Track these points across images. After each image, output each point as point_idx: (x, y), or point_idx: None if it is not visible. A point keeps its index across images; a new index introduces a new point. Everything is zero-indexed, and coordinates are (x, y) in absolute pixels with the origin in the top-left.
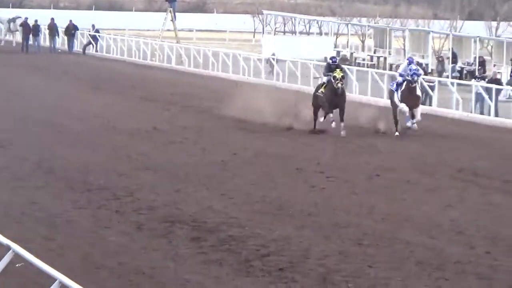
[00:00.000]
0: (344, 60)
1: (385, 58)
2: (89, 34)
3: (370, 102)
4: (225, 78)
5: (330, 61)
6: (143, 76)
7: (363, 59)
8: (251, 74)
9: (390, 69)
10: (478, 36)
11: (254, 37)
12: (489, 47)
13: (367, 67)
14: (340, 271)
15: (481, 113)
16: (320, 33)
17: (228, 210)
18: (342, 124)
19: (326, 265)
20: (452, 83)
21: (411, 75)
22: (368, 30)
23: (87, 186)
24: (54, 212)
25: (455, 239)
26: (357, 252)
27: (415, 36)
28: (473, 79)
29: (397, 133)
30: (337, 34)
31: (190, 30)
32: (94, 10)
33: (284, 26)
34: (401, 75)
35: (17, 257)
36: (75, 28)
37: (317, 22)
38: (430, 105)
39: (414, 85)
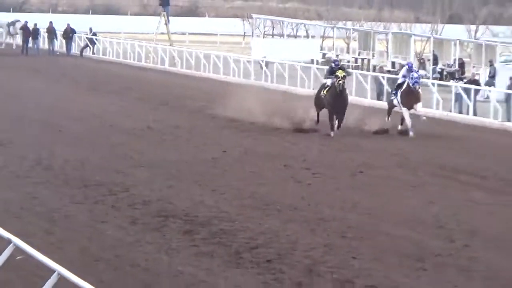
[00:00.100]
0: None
1: (369, 60)
2: (87, 37)
3: (355, 102)
4: (216, 79)
5: (333, 64)
6: (138, 78)
7: (348, 61)
8: (241, 76)
9: (374, 70)
10: (458, 39)
11: (244, 40)
12: (469, 50)
13: (352, 68)
14: (326, 262)
15: (460, 112)
16: (307, 36)
17: (219, 205)
18: (337, 126)
19: (312, 257)
20: (433, 84)
21: (413, 84)
22: (352, 33)
23: (84, 183)
24: (53, 207)
25: (435, 233)
26: (342, 244)
27: (398, 39)
28: (453, 80)
29: (388, 119)
30: (323, 37)
31: (183, 33)
32: (91, 14)
33: (273, 30)
34: (404, 76)
35: (17, 250)
36: (73, 31)
37: (304, 26)
38: None
39: (415, 87)
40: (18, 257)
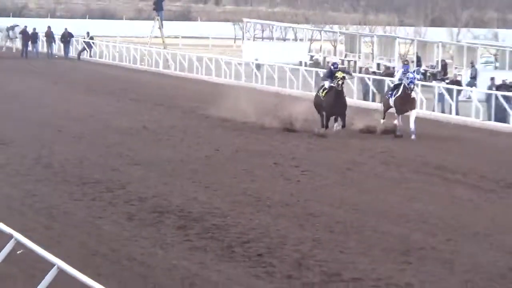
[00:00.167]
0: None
1: (355, 62)
2: (84, 41)
3: None
4: (208, 80)
5: (332, 67)
6: (133, 80)
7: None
8: (232, 77)
9: (360, 72)
10: (440, 41)
11: (235, 43)
12: (451, 52)
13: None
14: (314, 256)
15: (443, 111)
16: (296, 39)
17: (211, 201)
18: (341, 126)
19: (301, 251)
20: (417, 84)
21: (409, 83)
22: (339, 36)
23: (83, 180)
24: (52, 203)
25: (419, 227)
26: (330, 239)
27: (383, 42)
28: (436, 81)
29: (383, 121)
30: (311, 40)
31: (176, 37)
32: (88, 18)
33: (262, 33)
34: (400, 79)
35: (18, 244)
36: (70, 35)
37: (293, 29)
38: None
39: (409, 92)
40: (18, 251)
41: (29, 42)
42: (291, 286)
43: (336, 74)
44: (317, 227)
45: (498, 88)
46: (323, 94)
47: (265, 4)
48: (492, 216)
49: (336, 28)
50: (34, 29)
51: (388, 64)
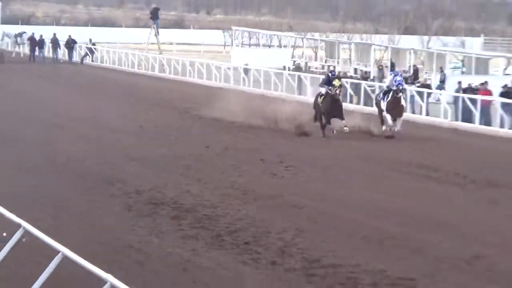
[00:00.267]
0: (298, 68)
1: (334, 67)
2: (86, 47)
3: None
4: (200, 83)
5: (330, 74)
6: (131, 83)
7: (316, 68)
8: (222, 81)
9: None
10: (412, 48)
11: (224, 49)
12: (422, 58)
13: (319, 74)
14: (296, 244)
15: (413, 112)
16: (280, 46)
17: (202, 194)
18: (344, 122)
19: (284, 239)
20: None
21: (396, 85)
22: (320, 43)
23: (84, 175)
24: (57, 197)
25: (392, 218)
26: (311, 229)
27: (360, 48)
28: (407, 84)
29: (384, 127)
30: (294, 47)
31: (171, 43)
32: (90, 26)
33: (250, 40)
34: (388, 86)
35: (26, 233)
36: (74, 41)
37: (277, 37)
38: (372, 106)
39: (399, 95)
40: (23, 239)
41: (36, 48)
42: (275, 271)
43: (334, 82)
44: (300, 218)
45: (465, 91)
46: (321, 99)
47: (252, 13)
48: (460, 208)
49: (317, 36)
50: (41, 36)
51: (364, 69)
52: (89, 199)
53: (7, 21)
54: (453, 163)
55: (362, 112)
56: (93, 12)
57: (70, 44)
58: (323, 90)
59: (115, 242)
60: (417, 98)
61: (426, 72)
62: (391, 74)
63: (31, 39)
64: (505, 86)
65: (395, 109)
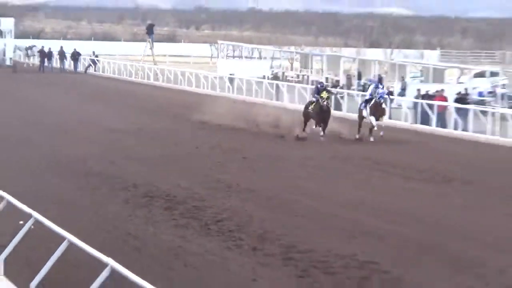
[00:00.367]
0: (276, 77)
1: (308, 76)
2: (90, 58)
3: (297, 108)
4: (190, 91)
5: (319, 85)
6: (129, 90)
7: (292, 77)
8: (209, 88)
9: (312, 84)
10: (377, 60)
11: (211, 60)
12: (385, 68)
13: (295, 82)
14: (274, 232)
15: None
16: (260, 58)
17: (192, 188)
18: (322, 132)
19: (264, 228)
20: (358, 95)
21: (379, 98)
22: (295, 55)
23: (87, 172)
24: (62, 191)
25: (363, 210)
26: (288, 219)
27: (330, 60)
28: None
29: (357, 136)
30: (272, 58)
31: (164, 55)
32: (93, 40)
33: (234, 52)
34: (370, 95)
35: (37, 222)
36: (79, 54)
37: (258, 49)
38: (341, 110)
39: (380, 104)
40: (32, 226)
41: (45, 59)
42: (256, 256)
43: (322, 95)
44: (278, 209)
45: (423, 97)
46: (311, 106)
47: (236, 29)
48: (418, 200)
49: (292, 48)
50: (49, 48)
51: (334, 78)
52: (91, 193)
53: (20, 36)
54: (416, 161)
55: (333, 115)
56: (95, 28)
57: (75, 56)
58: (314, 99)
59: (115, 230)
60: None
61: (389, 81)
62: (371, 84)
63: (41, 51)
64: (459, 93)
65: (378, 110)
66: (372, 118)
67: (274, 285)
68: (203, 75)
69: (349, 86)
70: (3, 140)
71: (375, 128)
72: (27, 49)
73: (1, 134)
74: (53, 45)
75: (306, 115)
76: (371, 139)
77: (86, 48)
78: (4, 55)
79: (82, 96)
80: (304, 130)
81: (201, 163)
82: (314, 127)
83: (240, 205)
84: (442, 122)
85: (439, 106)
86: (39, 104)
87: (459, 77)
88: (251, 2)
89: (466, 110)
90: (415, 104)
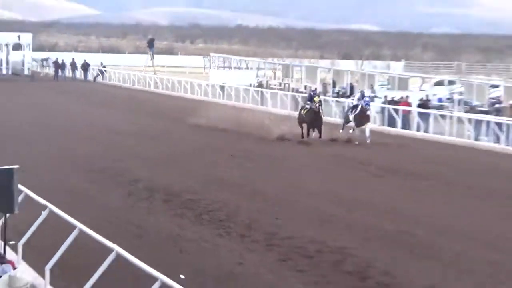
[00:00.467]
0: (261, 85)
1: (289, 84)
2: (98, 69)
3: (278, 112)
4: (186, 97)
5: (312, 93)
6: (132, 96)
7: (275, 85)
8: (202, 95)
9: (293, 91)
10: (349, 70)
11: (204, 70)
12: (356, 77)
13: (277, 90)
14: (259, 221)
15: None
16: (247, 68)
17: (187, 182)
18: (319, 137)
19: (250, 218)
20: (332, 101)
21: (365, 105)
22: (278, 66)
23: (93, 168)
24: (72, 185)
25: (331, 200)
26: (269, 209)
27: (308, 70)
28: (345, 98)
29: (341, 131)
30: (258, 69)
31: (163, 66)
32: (101, 53)
33: (224, 63)
34: (357, 100)
35: (51, 212)
36: (88, 64)
37: (245, 61)
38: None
39: (366, 110)
40: (43, 211)
41: (59, 69)
42: (243, 242)
43: (314, 98)
44: (262, 201)
45: (389, 103)
46: (304, 112)
47: (226, 43)
48: (384, 192)
49: (275, 60)
50: (62, 60)
51: (312, 86)
52: (98, 187)
53: (36, 49)
54: (381, 159)
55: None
56: (103, 42)
57: (85, 66)
58: (307, 105)
59: (119, 220)
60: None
61: (360, 89)
62: (359, 93)
63: (55, 62)
64: (421, 99)
65: (363, 117)
66: (356, 128)
67: (259, 268)
68: (197, 83)
69: (325, 93)
70: (21, 139)
71: (356, 132)
72: (42, 60)
73: (19, 133)
74: (65, 57)
75: (301, 119)
76: (368, 140)
77: (94, 59)
78: (23, 65)
79: (91, 101)
80: (303, 134)
81: (195, 160)
82: (302, 136)
83: (229, 197)
84: (406, 125)
85: (403, 110)
86: (53, 108)
87: (421, 85)
88: (239, 19)
89: (428, 114)
90: (383, 109)
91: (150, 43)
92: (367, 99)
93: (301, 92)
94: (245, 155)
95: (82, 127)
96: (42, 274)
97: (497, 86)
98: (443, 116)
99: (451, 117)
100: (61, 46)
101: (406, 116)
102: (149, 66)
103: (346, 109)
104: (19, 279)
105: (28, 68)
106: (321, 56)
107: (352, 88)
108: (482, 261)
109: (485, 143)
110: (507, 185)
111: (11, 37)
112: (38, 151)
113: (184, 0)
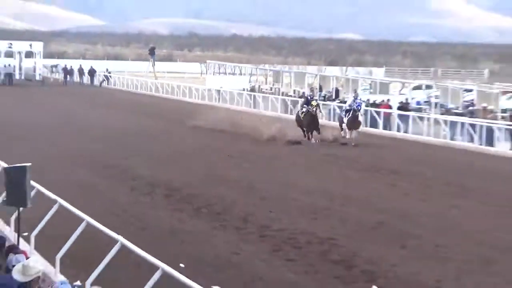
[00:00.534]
0: (253, 89)
1: (279, 89)
2: (104, 74)
3: (269, 115)
4: (184, 100)
5: (308, 97)
6: (135, 100)
7: (266, 89)
8: (199, 98)
9: (283, 95)
10: (334, 76)
11: (201, 76)
12: (341, 82)
13: (269, 94)
14: (253, 214)
15: (335, 121)
16: (241, 74)
17: (187, 179)
18: (317, 136)
19: (245, 211)
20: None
21: (357, 106)
22: (269, 72)
23: (100, 165)
24: (80, 181)
25: (321, 195)
26: (263, 204)
27: (297, 75)
28: (331, 101)
29: (342, 133)
30: (250, 74)
31: (163, 72)
32: (106, 60)
33: (219, 69)
34: (350, 105)
35: (61, 207)
36: (94, 70)
37: (239, 67)
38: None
39: (357, 113)
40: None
41: (67, 75)
42: (238, 234)
43: (312, 102)
44: (256, 196)
45: (372, 105)
46: (302, 116)
47: (221, 51)
48: (370, 189)
49: (267, 66)
50: (71, 66)
51: (300, 90)
52: (104, 183)
53: (47, 56)
54: (368, 157)
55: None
56: (108, 50)
57: (92, 72)
58: (304, 109)
59: (123, 213)
60: (337, 110)
61: (344, 93)
62: (353, 97)
63: (64, 69)
64: (401, 102)
65: (354, 124)
66: (348, 131)
67: (254, 258)
68: (195, 88)
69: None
70: (32, 140)
71: (347, 137)
72: (52, 67)
73: (31, 134)
74: (74, 64)
75: (299, 121)
76: (352, 143)
77: (100, 66)
78: (34, 71)
79: (97, 104)
80: (304, 134)
81: (193, 159)
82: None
83: (226, 193)
84: (387, 126)
85: (385, 112)
86: (62, 110)
87: (401, 90)
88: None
89: (407, 116)
90: (366, 111)
91: (152, 51)
92: (358, 101)
93: (290, 96)
94: (242, 155)
95: (89, 127)
96: (53, 263)
97: (470, 90)
98: (421, 118)
99: (428, 118)
100: (70, 53)
101: (387, 118)
102: (150, 72)
103: (341, 112)
104: (32, 268)
105: (39, 74)
106: (308, 63)
107: (337, 92)
108: (457, 251)
109: (460, 142)
110: (482, 182)
111: (23, 46)
112: (48, 149)
113: (183, 11)
